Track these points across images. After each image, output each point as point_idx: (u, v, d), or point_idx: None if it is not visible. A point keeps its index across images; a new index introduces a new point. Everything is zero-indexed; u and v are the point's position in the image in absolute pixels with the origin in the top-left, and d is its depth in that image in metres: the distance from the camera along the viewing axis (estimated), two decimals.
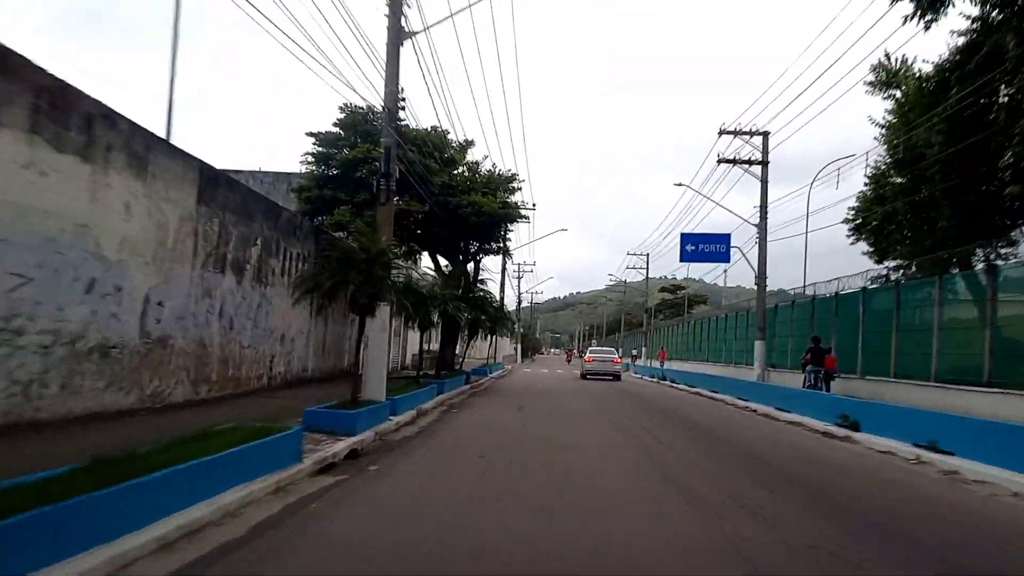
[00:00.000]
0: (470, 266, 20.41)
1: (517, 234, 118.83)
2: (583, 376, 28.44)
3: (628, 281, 58.82)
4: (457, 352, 22.43)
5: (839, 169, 22.82)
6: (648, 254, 47.56)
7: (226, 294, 10.92)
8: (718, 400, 18.20)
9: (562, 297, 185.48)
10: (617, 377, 28.67)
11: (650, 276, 49.72)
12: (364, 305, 8.57)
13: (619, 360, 31.44)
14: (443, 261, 19.92)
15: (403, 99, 10.34)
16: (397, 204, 16.19)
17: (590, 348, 39.63)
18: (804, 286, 24.55)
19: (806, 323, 21.54)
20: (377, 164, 11.30)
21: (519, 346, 58.91)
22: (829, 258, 32.87)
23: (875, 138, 19.64)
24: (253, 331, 12.01)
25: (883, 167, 20.10)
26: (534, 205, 29.84)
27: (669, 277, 66.29)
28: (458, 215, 16.65)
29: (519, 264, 52.25)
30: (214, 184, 10.36)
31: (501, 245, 20.88)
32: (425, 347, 28.17)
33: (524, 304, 63.10)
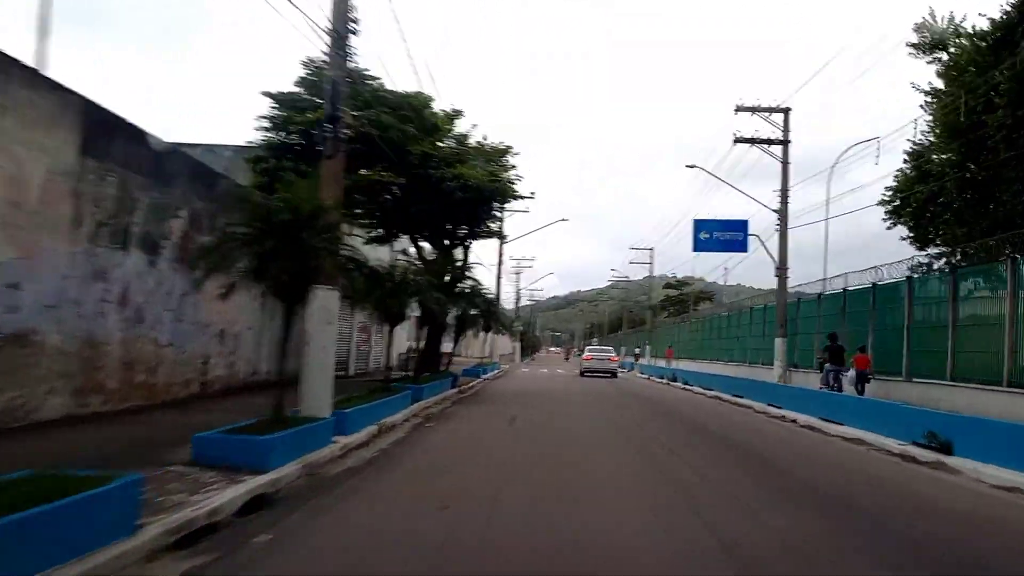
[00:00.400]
0: (458, 252, 17.93)
1: (516, 225, 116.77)
2: (582, 373, 28.86)
3: (631, 278, 56.53)
4: (449, 351, 20.03)
5: (879, 145, 20.38)
6: (652, 248, 45.57)
7: (131, 277, 8.46)
8: (743, 406, 15.78)
9: (563, 295, 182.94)
10: (613, 374, 29.25)
11: (652, 273, 47.53)
12: (287, 286, 6.16)
13: (615, 359, 32.44)
14: (427, 247, 17.47)
15: (356, 19, 7.88)
16: (367, 175, 13.81)
17: (588, 347, 41.52)
18: (824, 279, 22.17)
19: (835, 318, 19.20)
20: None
21: (518, 344, 56.39)
22: (828, 257, 30.44)
23: (921, 106, 17.29)
24: (175, 325, 9.56)
25: (928, 141, 17.74)
26: (532, 194, 27.35)
27: (670, 275, 63.99)
28: (442, 190, 14.20)
29: (518, 260, 50.00)
30: (108, 131, 7.90)
31: (495, 227, 18.34)
32: (413, 344, 25.77)
33: (524, 301, 60.82)
